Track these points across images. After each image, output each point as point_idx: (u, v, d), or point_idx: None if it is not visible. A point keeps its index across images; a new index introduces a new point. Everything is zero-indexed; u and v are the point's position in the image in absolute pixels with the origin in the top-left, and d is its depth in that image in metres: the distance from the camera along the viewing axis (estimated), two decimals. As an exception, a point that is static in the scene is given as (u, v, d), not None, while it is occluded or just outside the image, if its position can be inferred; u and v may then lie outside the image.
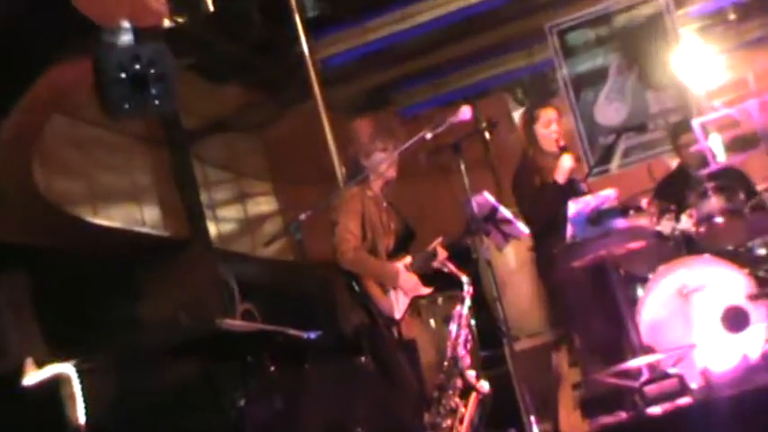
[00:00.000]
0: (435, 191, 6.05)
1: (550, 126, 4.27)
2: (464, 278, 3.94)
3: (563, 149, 4.22)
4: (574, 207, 3.94)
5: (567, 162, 4.17)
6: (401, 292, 3.77)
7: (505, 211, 4.08)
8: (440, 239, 3.90)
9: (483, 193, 4.01)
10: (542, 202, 4.16)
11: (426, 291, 3.85)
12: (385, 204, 3.89)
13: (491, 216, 4.04)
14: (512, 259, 5.02)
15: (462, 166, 3.75)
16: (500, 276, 4.42)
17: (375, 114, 3.96)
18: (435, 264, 3.84)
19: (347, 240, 3.67)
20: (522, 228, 4.09)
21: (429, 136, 3.66)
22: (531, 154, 4.31)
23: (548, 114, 4.30)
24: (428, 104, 7.04)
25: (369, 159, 3.79)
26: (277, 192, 7.18)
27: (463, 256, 4.59)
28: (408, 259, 3.85)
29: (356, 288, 3.69)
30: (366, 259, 3.70)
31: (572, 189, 4.14)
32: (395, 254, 3.85)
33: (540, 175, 4.24)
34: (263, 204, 7.05)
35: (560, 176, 4.17)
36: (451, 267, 3.95)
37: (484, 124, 4.33)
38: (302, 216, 3.49)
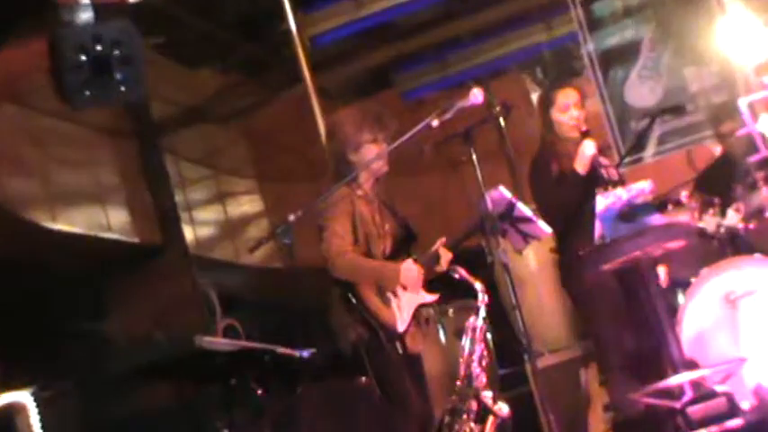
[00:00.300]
0: (443, 186, 6.08)
1: (568, 111, 4.24)
2: (478, 285, 3.94)
3: (585, 135, 4.19)
4: (603, 202, 3.94)
5: (588, 148, 4.14)
6: (404, 301, 3.79)
7: (524, 208, 4.06)
8: (443, 240, 3.90)
9: (498, 187, 4.00)
10: (560, 196, 4.13)
11: (431, 297, 3.86)
12: (378, 203, 3.90)
13: (508, 214, 4.03)
14: (532, 263, 5.00)
15: (474, 158, 3.73)
16: (519, 283, 4.38)
17: (360, 102, 3.95)
18: (438, 268, 3.85)
19: (337, 245, 3.67)
20: (544, 227, 4.07)
21: (435, 123, 3.64)
22: (549, 141, 4.30)
23: (565, 97, 4.26)
24: (434, 87, 7.06)
25: (357, 153, 3.79)
26: (262, 190, 7.20)
27: (477, 260, 4.61)
28: (410, 262, 3.83)
29: (352, 299, 3.69)
30: (360, 262, 3.69)
31: (597, 180, 4.13)
32: (394, 257, 3.85)
33: (558, 164, 4.22)
34: (247, 204, 7.07)
35: (580, 165, 4.12)
36: (463, 273, 3.95)
37: (498, 109, 4.33)
38: (291, 217, 3.48)
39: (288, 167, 6.47)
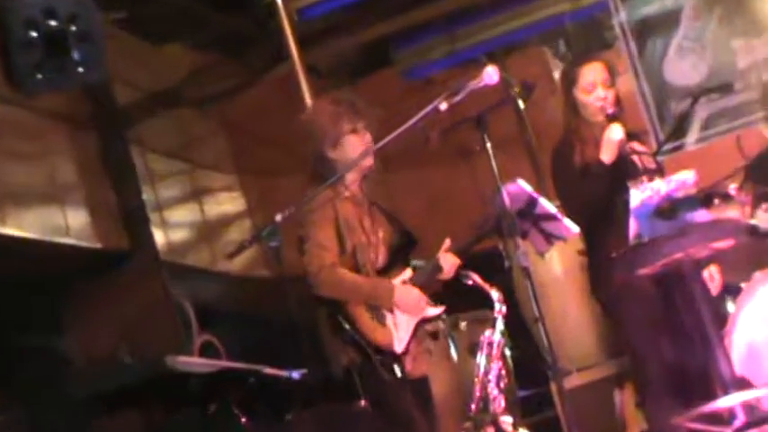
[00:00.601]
0: (452, 180, 6.05)
1: (594, 90, 4.24)
2: (494, 294, 3.99)
3: (612, 118, 4.18)
4: (638, 196, 3.94)
5: (614, 134, 4.13)
6: (401, 316, 3.79)
7: (547, 204, 4.07)
8: (447, 243, 3.90)
9: (517, 180, 4.00)
10: (585, 189, 4.14)
11: (435, 311, 3.86)
12: (368, 205, 3.93)
13: (528, 211, 4.04)
14: (557, 267, 5.01)
15: (488, 146, 3.73)
16: (542, 290, 4.37)
17: (334, 92, 3.99)
18: (441, 276, 3.85)
19: (319, 257, 3.70)
20: (570, 226, 4.08)
21: (443, 107, 3.64)
22: (573, 125, 4.31)
23: (591, 74, 4.26)
24: (441, 64, 7.05)
25: (337, 148, 3.84)
26: (244, 186, 7.21)
27: (493, 264, 4.62)
28: (408, 273, 3.86)
29: (341, 320, 3.70)
30: (346, 277, 3.72)
31: (630, 171, 4.12)
32: (389, 269, 3.87)
33: (582, 152, 4.23)
34: (226, 203, 7.08)
35: (606, 153, 4.12)
36: (477, 280, 4.00)
37: (516, 89, 4.32)
38: (278, 217, 3.49)
39: (274, 159, 6.48)
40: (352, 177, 3.83)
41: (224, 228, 6.88)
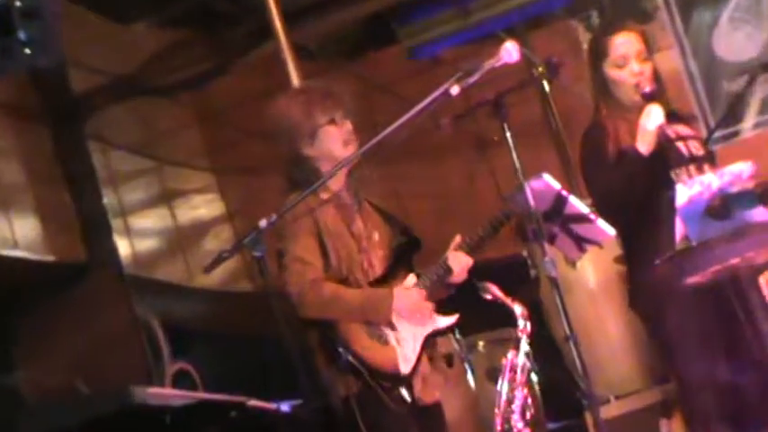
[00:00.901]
0: (466, 176, 6.03)
1: (627, 64, 4.22)
2: (517, 309, 3.99)
3: (649, 98, 4.17)
4: (685, 192, 3.95)
5: (651, 118, 4.10)
6: (406, 331, 3.81)
7: (578, 203, 4.08)
8: (457, 240, 3.92)
9: (542, 175, 4.01)
10: (619, 184, 4.12)
11: (446, 320, 3.88)
12: (359, 205, 3.96)
13: (556, 211, 4.05)
14: (591, 277, 5.03)
15: (508, 135, 3.73)
16: (574, 304, 4.40)
17: (304, 82, 4.02)
18: (452, 279, 3.88)
19: (299, 273, 3.73)
20: (605, 228, 4.08)
21: (455, 91, 3.63)
22: (603, 108, 4.30)
23: (621, 45, 4.24)
24: (452, 41, 7.06)
25: (315, 144, 3.89)
26: (222, 186, 7.25)
27: (516, 274, 4.64)
28: (411, 279, 3.89)
29: (334, 342, 3.71)
30: (334, 293, 3.74)
31: (674, 161, 4.11)
32: (390, 276, 3.89)
33: (616, 140, 4.22)
34: (202, 207, 7.12)
35: (643, 141, 4.10)
36: (497, 293, 4.00)
37: (540, 69, 4.33)
38: (262, 222, 3.49)
39: (257, 155, 6.47)
40: (335, 176, 3.85)
41: (199, 236, 6.91)
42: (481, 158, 5.65)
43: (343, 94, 3.96)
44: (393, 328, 3.80)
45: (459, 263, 3.90)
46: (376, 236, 3.94)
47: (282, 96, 4.03)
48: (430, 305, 3.86)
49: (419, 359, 3.80)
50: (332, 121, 3.89)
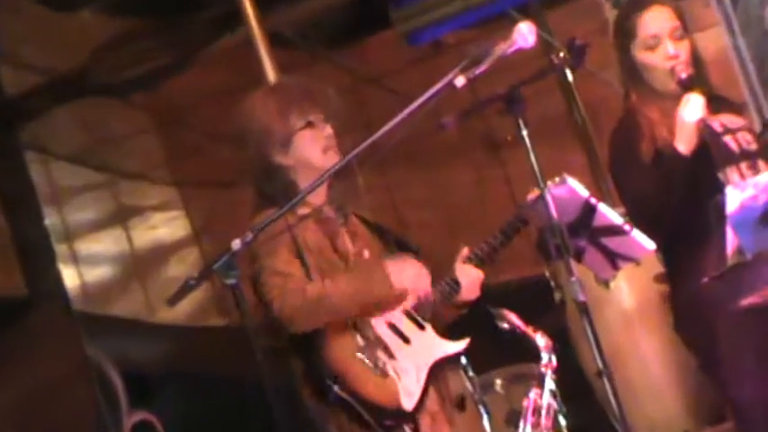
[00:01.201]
0: (476, 182, 6.04)
1: (660, 45, 4.22)
2: (540, 340, 3.98)
3: (687, 85, 4.17)
4: (736, 196, 3.93)
5: (689, 110, 4.09)
6: (407, 360, 3.83)
7: (610, 213, 4.07)
8: (465, 251, 3.95)
9: (565, 179, 4.02)
10: (657, 190, 4.13)
11: (455, 346, 3.93)
12: (344, 219, 4.01)
13: (583, 222, 4.05)
14: (627, 299, 5.04)
15: (524, 134, 3.71)
16: (607, 332, 4.45)
17: (279, 79, 4.06)
18: (460, 297, 3.91)
19: (279, 286, 3.77)
20: (643, 241, 4.07)
21: (461, 82, 3.62)
22: (634, 99, 4.31)
23: (652, 22, 4.24)
24: (456, 23, 7.06)
25: (290, 151, 3.95)
26: (186, 202, 7.25)
27: (537, 298, 4.63)
28: (411, 297, 3.93)
29: (323, 376, 3.73)
30: (319, 292, 3.77)
31: (720, 160, 4.10)
32: None
33: (650, 138, 4.22)
34: (163, 226, 7.12)
35: (682, 139, 4.10)
36: (516, 321, 3.99)
37: (561, 54, 4.35)
38: (235, 244, 3.46)
39: (225, 164, 6.47)
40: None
41: (161, 261, 6.90)
42: (492, 162, 5.67)
43: (325, 93, 4.01)
44: (392, 356, 3.83)
45: (468, 276, 3.96)
46: (366, 253, 3.99)
47: (252, 95, 4.06)
48: (427, 272, 3.92)
49: (425, 392, 3.82)
50: (309, 125, 3.94)
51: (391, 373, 3.80)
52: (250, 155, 3.98)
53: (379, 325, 3.89)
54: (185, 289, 3.46)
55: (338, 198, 4.00)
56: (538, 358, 4.03)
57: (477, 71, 3.63)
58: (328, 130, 3.96)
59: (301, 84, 4.03)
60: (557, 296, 4.98)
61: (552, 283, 5.05)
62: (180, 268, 6.83)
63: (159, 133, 7.21)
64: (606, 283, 4.35)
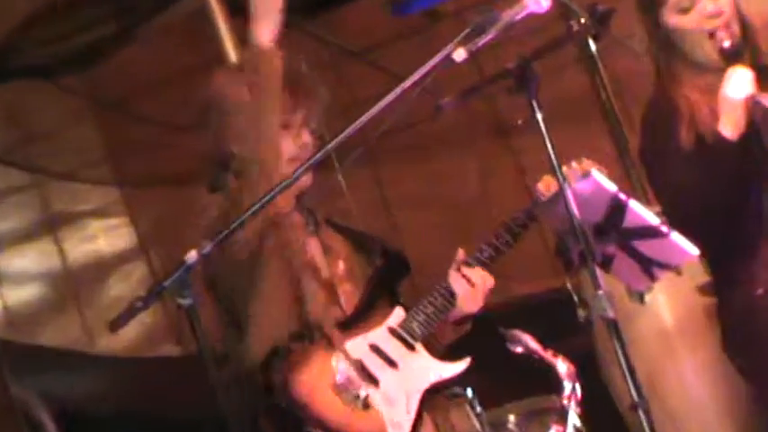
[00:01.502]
0: (480, 174, 6.04)
1: (696, 5, 4.21)
2: (561, 366, 4.04)
3: (730, 56, 4.17)
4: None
5: (736, 84, 4.09)
6: (392, 387, 3.85)
7: (643, 211, 4.09)
8: (461, 254, 4.01)
9: (590, 172, 4.05)
10: (699, 183, 4.12)
11: (452, 369, 3.94)
12: (315, 227, 4.09)
13: (611, 223, 4.08)
14: (666, 316, 5.08)
15: (539, 118, 3.70)
16: (643, 355, 4.55)
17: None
18: (459, 312, 3.95)
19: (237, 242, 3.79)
20: (684, 245, 4.09)
21: (461, 56, 3.61)
22: (668, 75, 4.34)
23: None
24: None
25: None
26: (131, 206, 7.26)
27: (558, 316, 4.62)
28: (398, 314, 4.00)
29: (295, 413, 3.75)
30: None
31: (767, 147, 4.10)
32: (366, 312, 3.98)
33: (689, 122, 4.23)
34: (103, 236, 7.13)
35: (727, 121, 4.07)
36: (532, 345, 4.04)
37: (582, 20, 4.36)
38: (191, 256, 3.47)
39: (178, 159, 6.48)
40: (282, 194, 3.82)
41: (100, 278, 6.89)
42: (500, 151, 5.63)
43: (314, 87, 4.06)
44: (375, 383, 3.85)
45: (466, 284, 3.98)
46: (341, 265, 4.05)
47: (227, 67, 4.09)
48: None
49: (417, 424, 3.85)
50: (285, 126, 3.99)
51: (375, 403, 3.82)
52: (208, 140, 4.03)
53: (359, 347, 3.93)
54: (131, 312, 3.46)
55: (308, 200, 4.07)
56: (559, 389, 4.06)
57: (481, 42, 3.62)
58: (305, 137, 4.03)
59: (290, 69, 4.04)
60: (581, 313, 4.97)
61: (575, 298, 5.08)
62: (124, 287, 6.84)
63: (97, 123, 7.20)
64: (641, 297, 4.36)
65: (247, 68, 3.96)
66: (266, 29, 3.97)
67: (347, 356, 3.88)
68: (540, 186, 4.13)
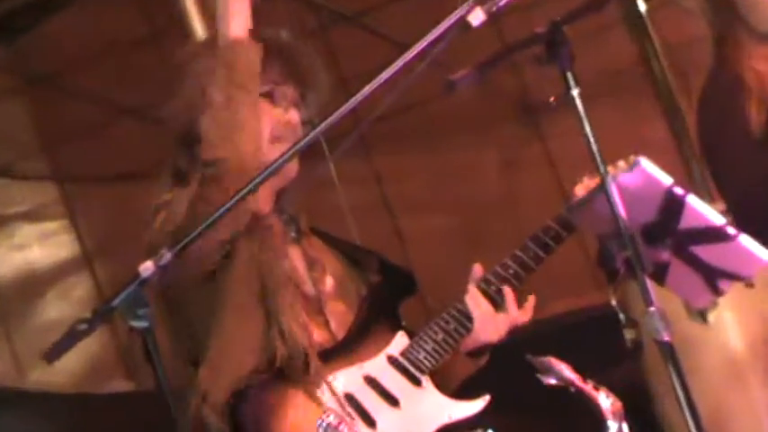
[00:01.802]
0: (501, 166, 6.05)
1: None
2: (605, 401, 4.02)
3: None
4: None
5: None
6: (395, 426, 3.90)
7: (705, 208, 4.04)
8: (478, 269, 4.08)
9: (638, 161, 3.99)
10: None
11: (471, 407, 3.97)
12: (297, 235, 4.19)
13: (665, 224, 4.04)
14: (734, 338, 5.06)
15: (575, 94, 3.69)
16: (706, 385, 4.54)
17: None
18: (476, 337, 4.03)
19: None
20: (756, 250, 4.05)
21: (478, 20, 3.62)
22: (731, 48, 4.40)
23: None
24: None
25: None
26: (71, 206, 7.28)
27: (601, 339, 4.57)
28: (401, 340, 4.06)
29: None
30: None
31: None
32: (361, 337, 4.04)
33: (759, 100, 4.31)
34: (37, 244, 7.12)
35: None
36: (568, 374, 4.05)
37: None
38: (146, 268, 3.44)
39: (130, 148, 6.47)
40: (261, 192, 3.91)
41: (33, 297, 6.88)
42: (527, 138, 5.62)
43: (312, 65, 4.15)
44: (372, 424, 3.88)
45: (486, 306, 4.03)
46: (329, 282, 4.11)
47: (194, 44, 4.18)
48: None
49: None
50: (268, 95, 4.06)
51: None
52: (176, 112, 4.09)
53: (352, 379, 3.96)
54: (71, 337, 3.46)
55: (289, 203, 4.14)
56: (602, 430, 4.03)
57: (502, 2, 3.62)
58: (293, 115, 4.10)
59: (283, 40, 4.14)
60: (628, 335, 4.97)
61: (621, 317, 5.06)
62: (62, 306, 6.82)
63: (29, 106, 7.20)
64: (703, 315, 4.41)
65: (221, 63, 3.99)
66: (237, 23, 4.02)
67: (337, 392, 3.90)
68: (579, 191, 4.12)
